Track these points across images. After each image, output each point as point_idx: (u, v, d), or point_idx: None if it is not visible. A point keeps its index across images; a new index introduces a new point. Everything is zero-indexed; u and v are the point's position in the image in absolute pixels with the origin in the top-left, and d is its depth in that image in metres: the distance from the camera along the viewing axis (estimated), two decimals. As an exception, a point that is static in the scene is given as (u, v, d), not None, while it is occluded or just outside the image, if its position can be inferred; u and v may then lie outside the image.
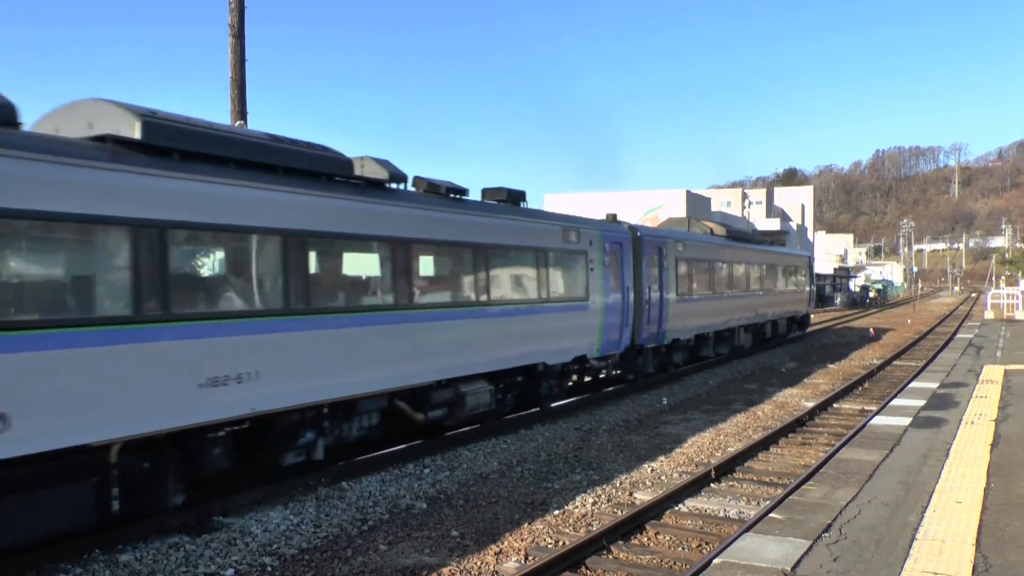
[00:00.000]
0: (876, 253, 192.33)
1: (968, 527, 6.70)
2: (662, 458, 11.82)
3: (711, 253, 22.95)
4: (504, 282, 13.10)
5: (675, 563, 7.59)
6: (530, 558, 7.70)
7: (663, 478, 10.70)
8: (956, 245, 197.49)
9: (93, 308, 7.26)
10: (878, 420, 11.97)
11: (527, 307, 13.55)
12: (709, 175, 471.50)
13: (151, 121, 8.00)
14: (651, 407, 16.29)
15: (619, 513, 9.00)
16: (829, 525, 6.86)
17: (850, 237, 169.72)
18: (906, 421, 11.64)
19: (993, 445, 9.88)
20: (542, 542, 8.16)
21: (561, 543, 8.05)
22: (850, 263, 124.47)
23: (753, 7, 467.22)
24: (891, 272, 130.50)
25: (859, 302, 73.03)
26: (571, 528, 8.63)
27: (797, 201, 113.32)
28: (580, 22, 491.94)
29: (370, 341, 10.18)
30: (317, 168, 9.76)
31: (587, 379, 18.32)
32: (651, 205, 56.46)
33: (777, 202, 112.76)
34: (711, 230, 24.92)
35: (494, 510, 9.22)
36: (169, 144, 8.06)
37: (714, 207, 70.41)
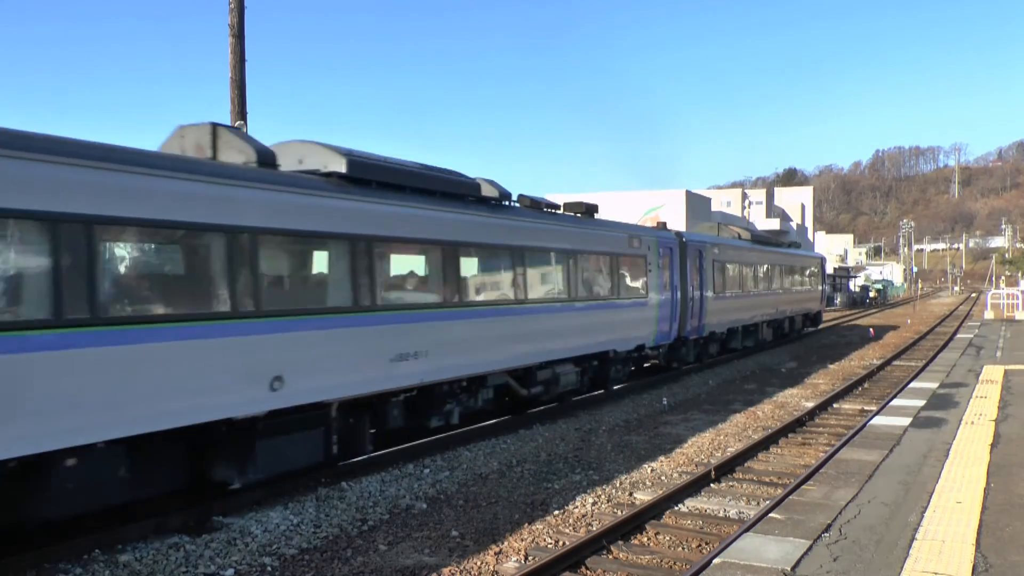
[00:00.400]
0: (876, 253, 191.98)
1: (968, 527, 6.70)
2: (662, 458, 11.82)
3: (741, 256, 24.96)
4: (587, 281, 15.42)
5: (675, 563, 7.59)
6: (530, 558, 7.70)
7: (663, 478, 10.71)
8: (956, 245, 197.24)
9: (326, 300, 9.63)
10: (878, 420, 11.97)
11: (604, 302, 15.95)
12: (709, 175, 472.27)
13: (353, 159, 10.12)
14: (651, 407, 16.30)
15: (619, 513, 9.01)
16: (829, 525, 6.86)
17: (850, 237, 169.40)
18: (906, 421, 11.64)
19: (993, 445, 9.88)
20: (542, 542, 8.16)
21: (561, 543, 8.05)
22: (850, 263, 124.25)
23: (754, 8, 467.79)
24: (891, 272, 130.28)
25: (859, 302, 72.95)
26: (571, 528, 8.63)
27: (797, 201, 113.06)
28: (581, 12, 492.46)
29: (498, 329, 12.50)
30: (460, 191, 12.10)
31: (632, 368, 19.34)
32: (651, 205, 56.38)
33: (777, 202, 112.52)
34: (739, 235, 27.00)
35: (494, 510, 9.22)
36: (367, 176, 10.24)
37: (714, 207, 70.23)
